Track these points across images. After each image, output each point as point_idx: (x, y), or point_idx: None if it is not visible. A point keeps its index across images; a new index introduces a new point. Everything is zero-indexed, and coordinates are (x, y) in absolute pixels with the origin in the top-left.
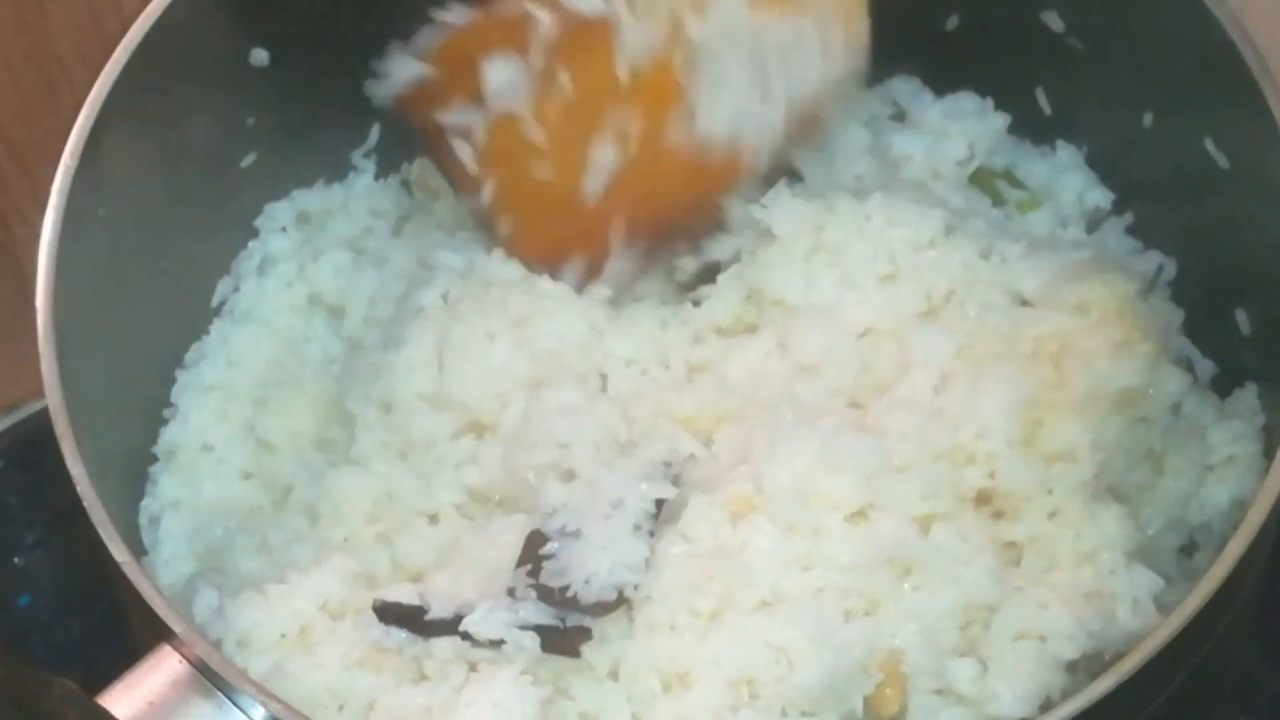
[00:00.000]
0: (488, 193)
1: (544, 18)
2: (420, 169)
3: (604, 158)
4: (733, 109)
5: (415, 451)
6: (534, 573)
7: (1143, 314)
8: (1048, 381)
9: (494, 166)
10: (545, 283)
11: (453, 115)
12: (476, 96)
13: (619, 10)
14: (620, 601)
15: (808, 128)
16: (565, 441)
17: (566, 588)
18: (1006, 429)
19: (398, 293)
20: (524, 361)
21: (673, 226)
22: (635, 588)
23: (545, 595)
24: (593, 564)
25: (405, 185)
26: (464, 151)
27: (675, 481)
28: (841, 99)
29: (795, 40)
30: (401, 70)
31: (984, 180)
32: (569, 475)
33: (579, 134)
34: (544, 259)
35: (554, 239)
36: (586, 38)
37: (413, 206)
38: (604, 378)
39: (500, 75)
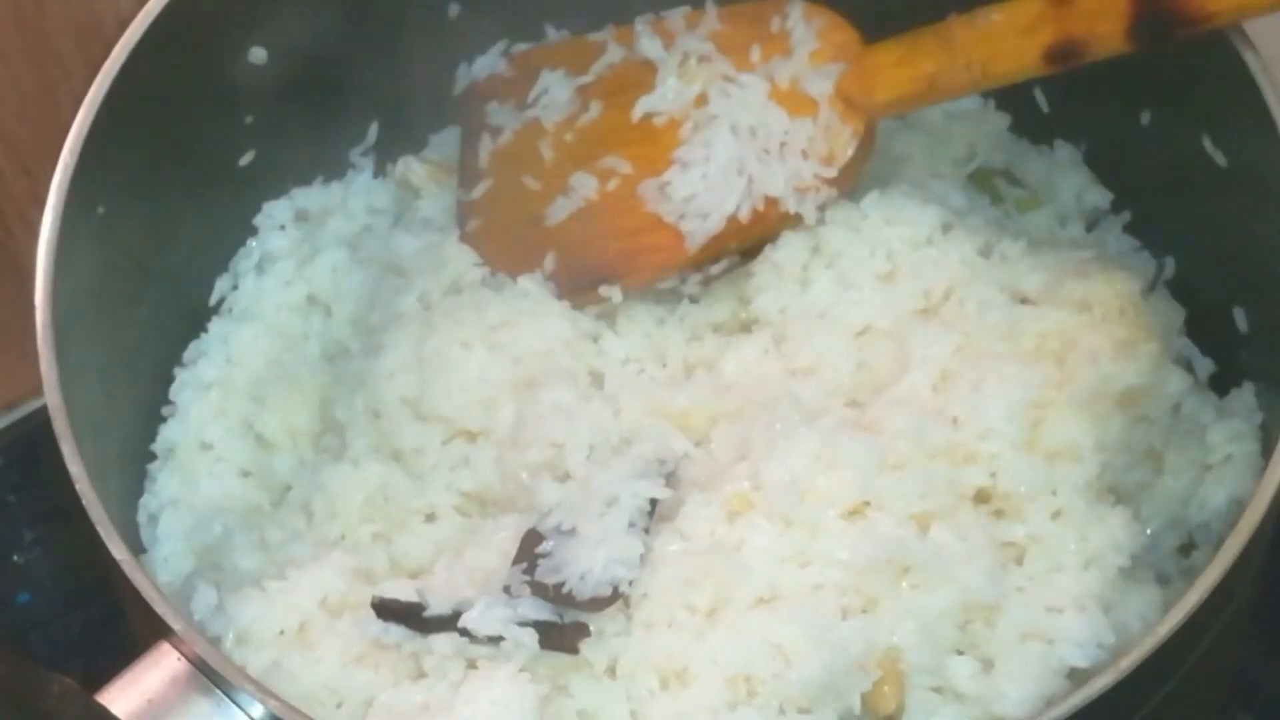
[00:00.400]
0: (480, 189)
1: (615, 52)
2: (404, 166)
3: (582, 187)
4: (703, 177)
5: (408, 455)
6: (529, 570)
7: (1145, 313)
8: (1051, 380)
9: (498, 167)
10: (524, 283)
11: (498, 111)
12: (523, 102)
13: (668, 64)
14: (615, 597)
15: (755, 227)
16: (559, 441)
17: (562, 584)
18: (1011, 432)
19: (382, 296)
20: (505, 366)
21: (592, 275)
22: (630, 583)
23: (540, 591)
24: (587, 560)
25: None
26: (485, 145)
27: (670, 480)
28: (807, 205)
29: (788, 137)
30: (487, 64)
31: (982, 178)
32: (564, 475)
33: (576, 160)
34: (491, 261)
35: (505, 247)
36: (628, 80)
37: (403, 205)
38: (599, 376)
39: (553, 88)
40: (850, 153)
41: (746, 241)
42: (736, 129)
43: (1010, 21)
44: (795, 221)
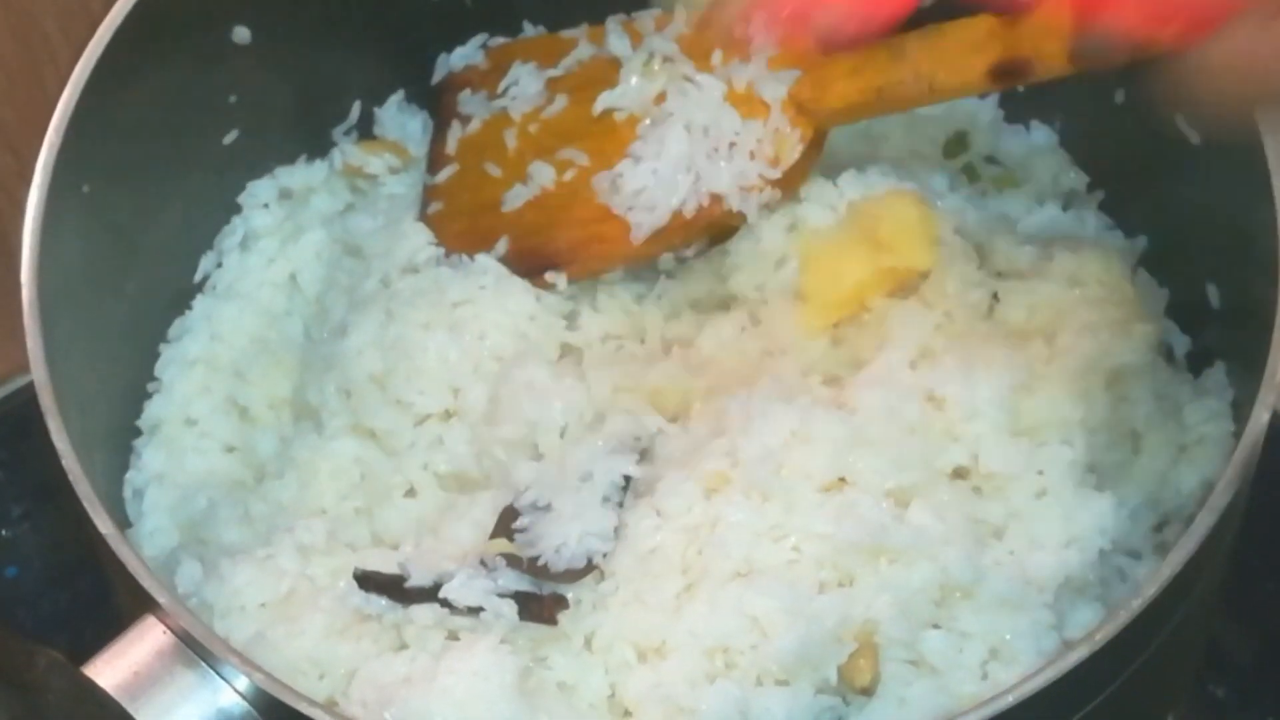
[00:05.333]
0: (445, 174)
1: (586, 49)
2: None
3: (540, 176)
4: (654, 172)
5: (381, 434)
6: None
7: (1131, 292)
8: (1039, 357)
9: (464, 154)
10: (482, 260)
11: (470, 100)
12: (495, 93)
13: (633, 62)
14: (589, 569)
15: (698, 223)
16: (533, 419)
17: (537, 557)
18: (999, 414)
19: (346, 276)
20: (469, 345)
21: (541, 261)
22: (604, 555)
23: (515, 564)
24: (562, 534)
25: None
26: (454, 132)
27: (644, 456)
28: (753, 208)
29: (739, 137)
30: (464, 55)
31: (954, 150)
32: (539, 453)
33: (537, 150)
34: (446, 242)
35: (461, 229)
36: (595, 76)
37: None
38: (570, 352)
39: (523, 80)
40: (796, 156)
41: (691, 238)
42: (690, 127)
43: (960, 39)
44: (739, 220)
